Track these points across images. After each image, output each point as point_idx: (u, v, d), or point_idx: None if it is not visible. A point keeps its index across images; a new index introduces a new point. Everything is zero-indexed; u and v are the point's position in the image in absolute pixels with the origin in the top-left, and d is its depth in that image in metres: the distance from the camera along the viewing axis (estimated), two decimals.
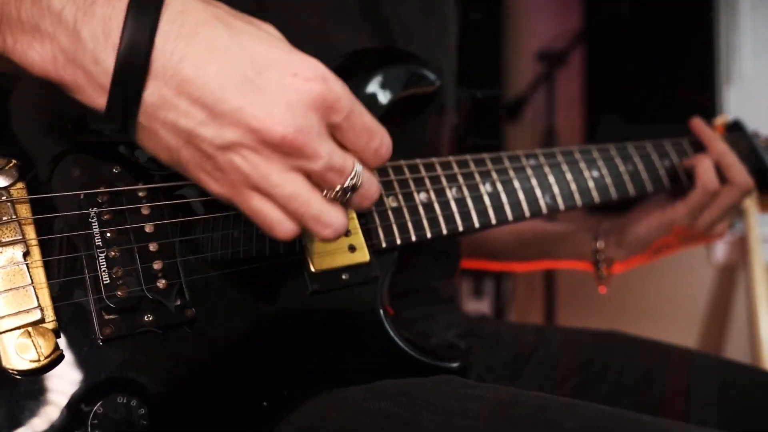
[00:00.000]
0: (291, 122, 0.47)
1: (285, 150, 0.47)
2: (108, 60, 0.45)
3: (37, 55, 0.46)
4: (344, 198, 0.52)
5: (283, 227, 0.50)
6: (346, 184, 0.51)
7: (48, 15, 0.45)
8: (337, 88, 0.49)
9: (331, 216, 0.51)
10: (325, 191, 0.51)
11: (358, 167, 0.51)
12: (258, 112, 0.46)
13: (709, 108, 2.28)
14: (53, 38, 0.45)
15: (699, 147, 0.98)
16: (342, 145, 0.52)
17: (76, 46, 0.45)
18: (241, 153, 0.47)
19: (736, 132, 1.05)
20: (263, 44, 0.48)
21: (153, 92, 0.46)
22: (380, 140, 0.53)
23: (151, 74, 0.45)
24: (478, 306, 2.58)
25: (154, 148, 0.50)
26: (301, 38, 0.77)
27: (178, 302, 0.56)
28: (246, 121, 0.46)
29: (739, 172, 0.93)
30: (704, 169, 0.92)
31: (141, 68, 0.45)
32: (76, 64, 0.46)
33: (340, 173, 0.50)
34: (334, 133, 0.51)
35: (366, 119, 0.52)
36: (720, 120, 1.10)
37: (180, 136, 0.47)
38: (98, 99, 0.47)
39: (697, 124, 0.99)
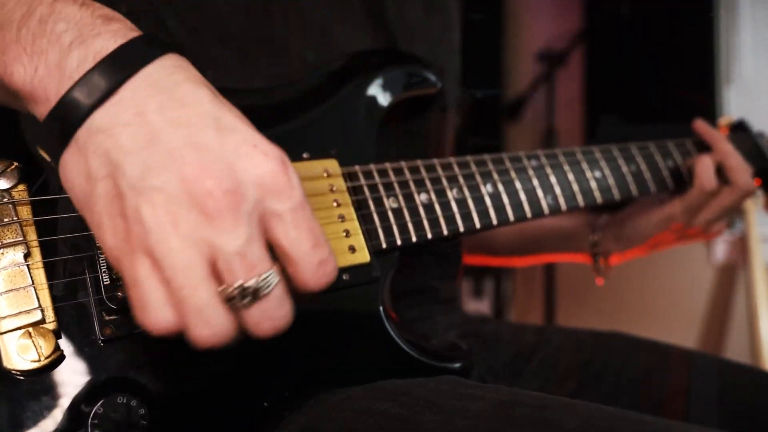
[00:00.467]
0: (225, 182, 0.42)
1: (204, 210, 0.41)
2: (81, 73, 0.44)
3: (21, 68, 0.45)
4: (240, 302, 0.43)
5: (158, 313, 0.42)
6: (248, 284, 0.42)
7: (48, 35, 0.45)
8: (294, 178, 0.44)
9: (215, 314, 0.42)
10: (222, 286, 0.42)
11: (274, 278, 0.43)
12: (196, 161, 0.42)
13: (709, 108, 2.28)
14: (41, 54, 0.45)
15: (703, 147, 0.97)
16: (276, 245, 0.45)
17: (61, 61, 0.44)
18: (153, 202, 0.41)
19: (740, 132, 1.05)
20: (239, 117, 0.46)
21: (105, 115, 0.43)
22: (327, 255, 0.46)
23: (115, 99, 0.44)
24: (478, 306, 2.58)
25: (74, 173, 0.45)
26: (303, 35, 0.78)
27: None
28: (179, 166, 0.42)
29: (742, 175, 0.92)
30: (703, 168, 0.92)
31: (112, 86, 0.44)
32: (51, 77, 0.44)
33: (249, 267, 0.42)
34: (271, 224, 0.44)
35: (315, 225, 0.45)
36: (724, 121, 1.09)
37: (105, 166, 0.43)
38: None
39: (701, 125, 0.99)
